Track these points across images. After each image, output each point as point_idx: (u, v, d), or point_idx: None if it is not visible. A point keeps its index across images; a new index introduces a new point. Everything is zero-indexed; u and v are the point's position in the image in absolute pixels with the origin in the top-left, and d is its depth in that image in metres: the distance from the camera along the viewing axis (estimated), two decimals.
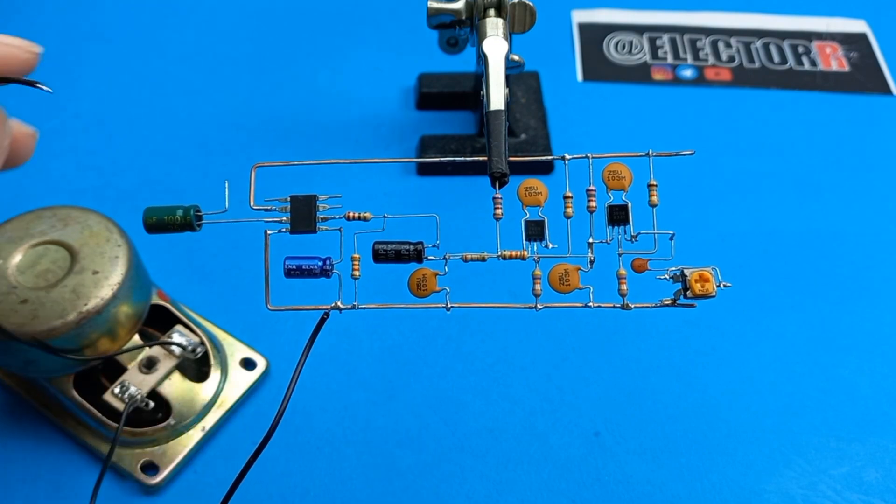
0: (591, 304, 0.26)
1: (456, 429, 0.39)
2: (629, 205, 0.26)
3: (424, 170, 0.50)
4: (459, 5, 0.43)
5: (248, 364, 0.41)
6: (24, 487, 0.37)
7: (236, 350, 0.41)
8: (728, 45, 0.59)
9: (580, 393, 0.41)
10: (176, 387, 0.38)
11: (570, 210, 0.27)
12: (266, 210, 0.27)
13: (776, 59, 0.58)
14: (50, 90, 0.25)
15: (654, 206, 0.27)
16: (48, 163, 0.50)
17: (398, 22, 0.60)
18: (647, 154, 0.27)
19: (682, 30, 0.60)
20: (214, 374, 0.39)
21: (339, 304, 0.27)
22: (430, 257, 0.27)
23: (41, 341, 0.33)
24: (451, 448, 0.39)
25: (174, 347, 0.38)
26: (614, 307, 0.26)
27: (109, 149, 0.51)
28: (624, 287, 0.26)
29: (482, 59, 0.37)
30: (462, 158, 0.28)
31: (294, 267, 0.27)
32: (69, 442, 0.38)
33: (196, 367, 0.39)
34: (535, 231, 0.26)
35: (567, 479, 0.38)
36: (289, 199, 0.27)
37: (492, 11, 0.40)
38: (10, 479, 0.37)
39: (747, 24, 0.61)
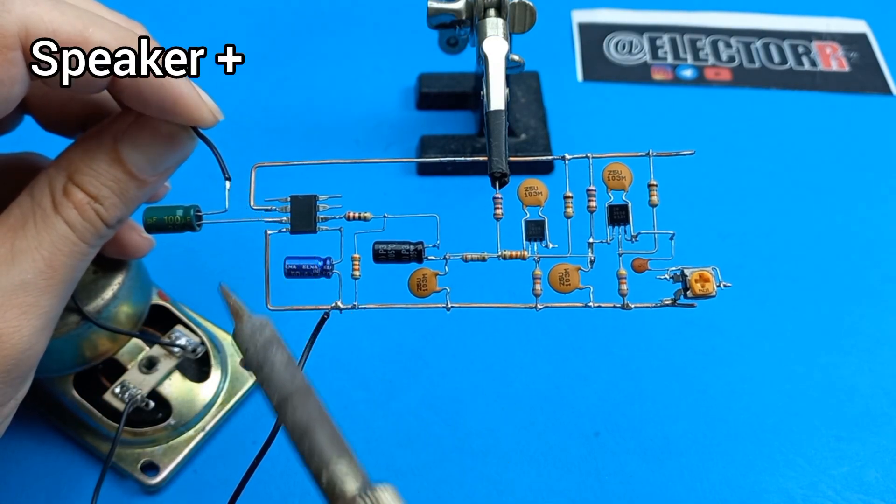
0: (591, 304, 0.26)
1: (456, 429, 0.39)
2: (629, 205, 0.26)
3: (424, 170, 0.50)
4: (459, 5, 0.43)
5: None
6: (24, 488, 0.37)
7: (236, 350, 0.41)
8: (728, 45, 0.59)
9: (580, 393, 0.40)
10: (176, 387, 0.38)
11: (570, 210, 0.27)
12: (266, 210, 0.27)
13: (776, 59, 0.58)
14: (228, 184, 0.27)
15: (654, 206, 0.27)
16: None
17: (398, 22, 0.60)
18: (648, 154, 0.27)
19: (682, 30, 0.60)
20: (214, 375, 0.39)
21: (339, 304, 0.27)
22: (430, 257, 0.27)
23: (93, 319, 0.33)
24: (451, 448, 0.39)
25: (174, 347, 0.38)
26: (614, 307, 0.26)
27: None
28: (624, 287, 0.26)
29: (482, 59, 0.37)
30: (462, 158, 0.28)
31: (294, 267, 0.27)
32: (69, 442, 0.38)
33: (196, 368, 0.39)
34: (536, 231, 0.27)
35: (567, 479, 0.38)
36: (289, 199, 0.27)
37: (492, 11, 0.40)
38: (10, 479, 0.37)
39: (747, 24, 0.61)
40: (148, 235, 0.34)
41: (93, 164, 0.26)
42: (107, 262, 0.34)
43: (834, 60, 0.58)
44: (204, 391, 0.39)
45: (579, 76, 0.57)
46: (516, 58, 0.42)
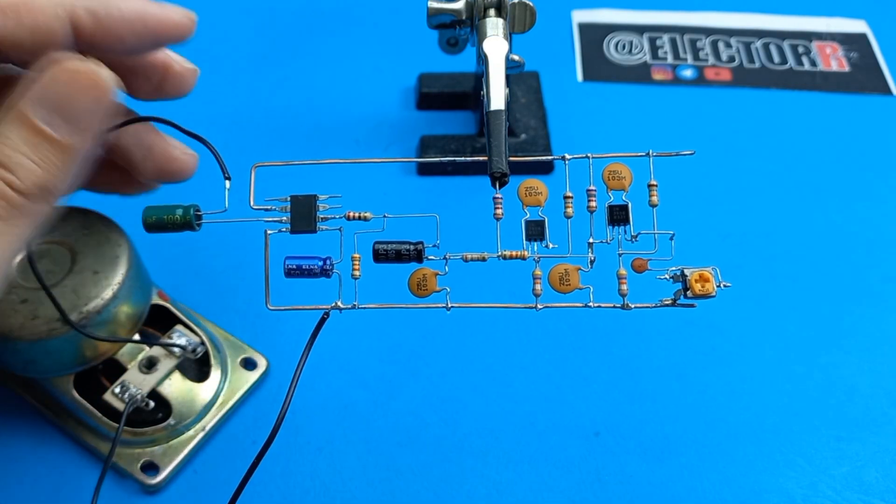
0: (591, 304, 0.26)
1: (456, 429, 0.39)
2: (629, 205, 0.26)
3: (424, 170, 0.50)
4: (459, 5, 0.43)
5: (248, 364, 0.41)
6: (24, 487, 0.37)
7: (236, 350, 0.41)
8: (728, 45, 0.59)
9: (580, 393, 0.40)
10: (176, 387, 0.38)
11: (570, 210, 0.27)
12: (266, 210, 0.27)
13: (776, 59, 0.58)
14: (228, 183, 0.27)
15: (654, 206, 0.27)
16: None
17: (398, 22, 0.60)
18: (647, 154, 0.27)
19: (682, 30, 0.60)
20: (214, 374, 0.39)
21: (339, 303, 0.27)
22: (430, 257, 0.27)
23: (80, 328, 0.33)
24: (451, 448, 0.39)
25: (174, 347, 0.38)
26: (614, 307, 0.26)
27: None
28: (624, 287, 0.26)
29: (482, 59, 0.37)
30: (462, 158, 0.28)
31: (294, 267, 0.27)
32: (69, 442, 0.38)
33: (196, 367, 0.39)
34: (536, 231, 0.27)
35: (567, 479, 0.38)
36: (289, 198, 0.27)
37: (492, 11, 0.40)
38: (10, 479, 0.37)
39: (747, 24, 0.61)
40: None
41: None
42: (107, 261, 0.34)
43: (834, 60, 0.58)
44: (204, 391, 0.39)
45: (579, 76, 0.57)
46: (516, 58, 0.42)
